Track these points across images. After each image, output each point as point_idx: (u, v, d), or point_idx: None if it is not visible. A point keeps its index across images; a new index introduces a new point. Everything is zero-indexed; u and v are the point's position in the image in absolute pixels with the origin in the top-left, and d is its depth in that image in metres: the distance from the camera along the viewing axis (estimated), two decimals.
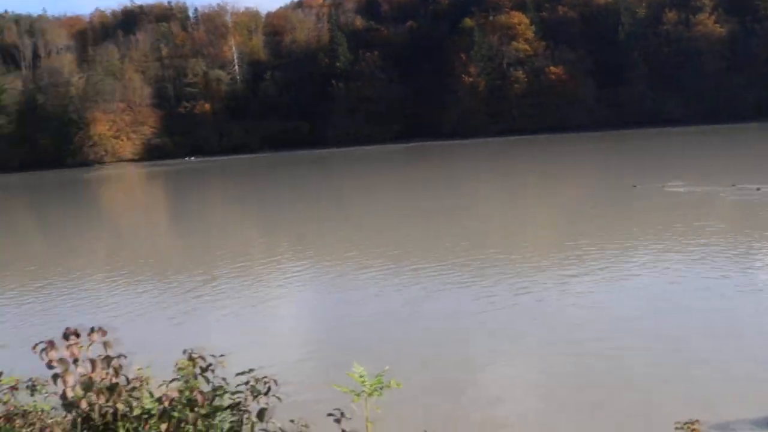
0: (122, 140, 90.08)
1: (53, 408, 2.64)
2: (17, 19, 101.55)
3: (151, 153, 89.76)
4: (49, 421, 2.50)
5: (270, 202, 30.24)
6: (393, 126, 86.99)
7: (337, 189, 35.43)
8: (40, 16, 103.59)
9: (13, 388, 2.70)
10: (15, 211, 40.25)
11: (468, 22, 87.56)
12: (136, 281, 12.86)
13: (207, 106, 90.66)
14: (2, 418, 2.47)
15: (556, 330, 8.68)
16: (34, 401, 2.72)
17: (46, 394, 2.69)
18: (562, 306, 9.84)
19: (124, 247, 19.06)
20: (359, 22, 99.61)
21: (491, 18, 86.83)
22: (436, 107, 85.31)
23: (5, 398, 2.69)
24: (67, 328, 2.43)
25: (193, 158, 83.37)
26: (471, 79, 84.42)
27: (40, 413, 2.62)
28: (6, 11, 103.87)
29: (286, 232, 19.67)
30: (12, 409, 2.61)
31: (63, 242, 21.08)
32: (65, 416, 2.45)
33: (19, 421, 2.48)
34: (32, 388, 2.75)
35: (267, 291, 11.84)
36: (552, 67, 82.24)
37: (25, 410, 2.61)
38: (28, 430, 2.50)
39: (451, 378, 7.33)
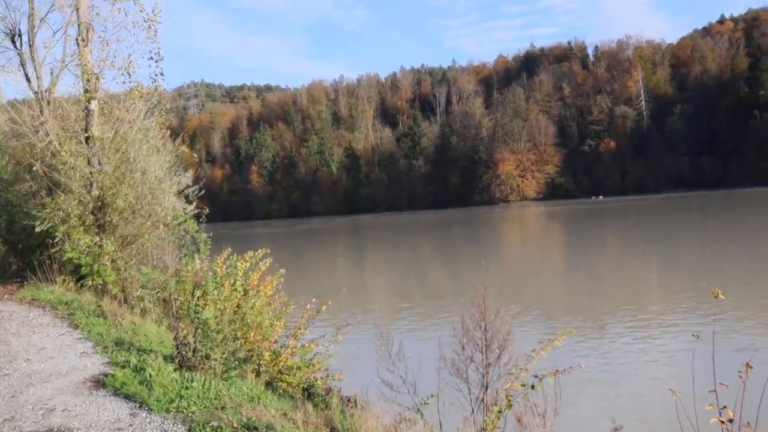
0: (527, 179, 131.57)
1: None
2: (431, 72, 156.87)
3: (553, 192, 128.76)
4: None
5: (673, 248, 34.65)
6: None
7: (753, 236, 36.90)
8: (450, 67, 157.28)
9: None
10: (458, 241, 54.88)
11: None
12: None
13: (612, 143, 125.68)
14: None
15: None
16: None
17: None
18: None
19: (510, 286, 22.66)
20: None
21: None
22: None
23: None
24: None
25: (601, 197, 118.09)
26: None
27: None
28: (422, 65, 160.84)
29: (685, 285, 21.98)
30: None
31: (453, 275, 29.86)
32: None
33: None
34: None
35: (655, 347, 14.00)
36: None
37: None
38: None
39: None
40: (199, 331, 7.37)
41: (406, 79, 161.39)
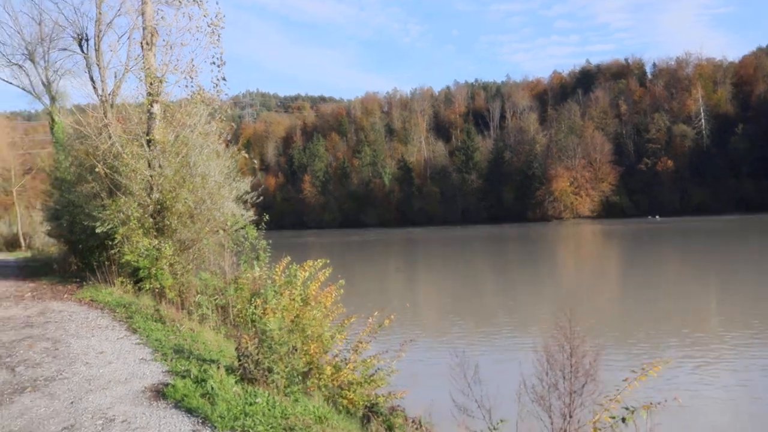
0: (581, 197, 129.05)
1: None
2: (485, 86, 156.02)
3: (608, 210, 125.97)
4: None
5: (741, 274, 33.17)
6: None
7: None
8: (504, 82, 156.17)
9: None
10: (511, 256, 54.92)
11: None
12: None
13: (670, 162, 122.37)
14: None
15: None
16: None
17: None
18: None
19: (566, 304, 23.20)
20: None
21: None
22: None
23: None
24: None
25: (658, 217, 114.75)
26: None
27: None
28: (476, 80, 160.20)
29: (746, 310, 21.52)
30: None
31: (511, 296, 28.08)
32: None
33: None
34: None
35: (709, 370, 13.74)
36: None
37: None
38: None
39: None
40: (263, 342, 7.03)
41: (459, 93, 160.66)
